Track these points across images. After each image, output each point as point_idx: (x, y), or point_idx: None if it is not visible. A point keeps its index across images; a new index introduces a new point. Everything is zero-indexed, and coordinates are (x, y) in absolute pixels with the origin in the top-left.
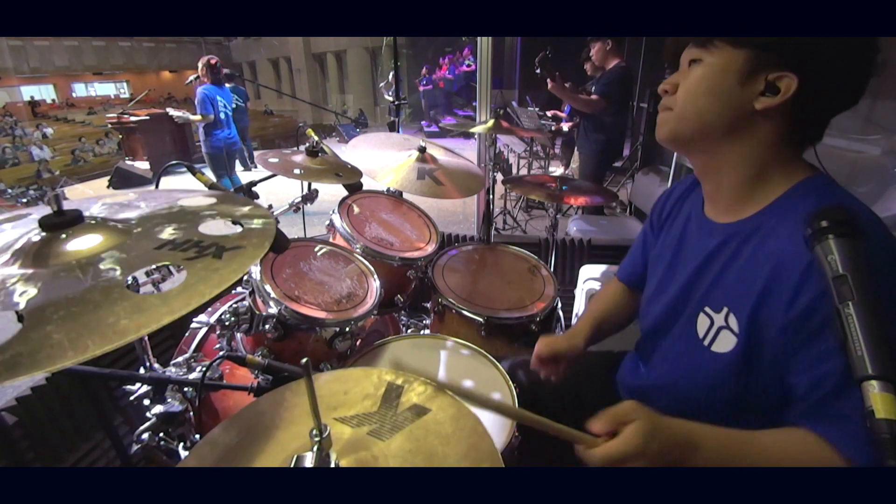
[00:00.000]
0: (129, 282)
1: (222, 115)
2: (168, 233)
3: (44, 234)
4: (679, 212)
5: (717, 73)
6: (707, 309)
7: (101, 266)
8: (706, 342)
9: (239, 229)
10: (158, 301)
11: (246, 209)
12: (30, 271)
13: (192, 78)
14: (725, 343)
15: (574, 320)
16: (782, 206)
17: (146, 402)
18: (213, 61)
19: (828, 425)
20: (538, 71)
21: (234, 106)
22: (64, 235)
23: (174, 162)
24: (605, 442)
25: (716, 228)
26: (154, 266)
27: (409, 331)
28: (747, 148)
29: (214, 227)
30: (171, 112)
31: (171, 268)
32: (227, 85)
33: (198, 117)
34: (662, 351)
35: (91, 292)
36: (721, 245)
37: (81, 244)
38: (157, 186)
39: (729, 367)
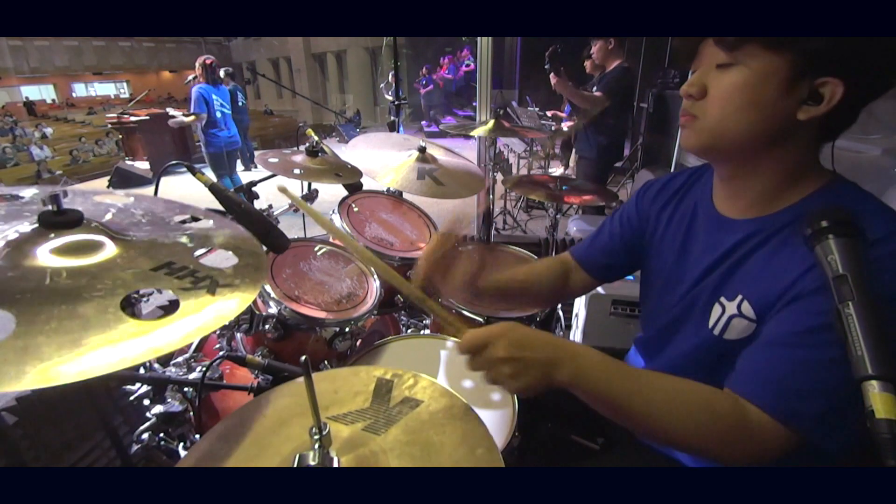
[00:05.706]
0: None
1: (218, 115)
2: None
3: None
4: (679, 206)
5: (757, 81)
6: (722, 299)
7: (95, 281)
8: (716, 331)
9: (234, 261)
10: (134, 328)
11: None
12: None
13: (190, 77)
14: (738, 330)
15: (574, 320)
16: (815, 204)
17: (146, 402)
18: (208, 61)
19: (744, 384)
20: (547, 66)
21: (239, 104)
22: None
23: (174, 162)
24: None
25: (733, 224)
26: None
27: (409, 331)
28: (785, 154)
29: (211, 259)
30: (170, 112)
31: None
32: (229, 83)
33: (191, 117)
34: (671, 344)
35: (83, 305)
36: (742, 241)
37: (77, 251)
38: (156, 187)
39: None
